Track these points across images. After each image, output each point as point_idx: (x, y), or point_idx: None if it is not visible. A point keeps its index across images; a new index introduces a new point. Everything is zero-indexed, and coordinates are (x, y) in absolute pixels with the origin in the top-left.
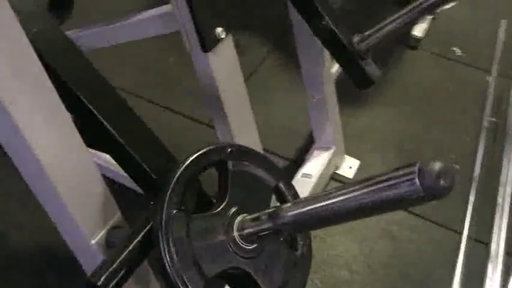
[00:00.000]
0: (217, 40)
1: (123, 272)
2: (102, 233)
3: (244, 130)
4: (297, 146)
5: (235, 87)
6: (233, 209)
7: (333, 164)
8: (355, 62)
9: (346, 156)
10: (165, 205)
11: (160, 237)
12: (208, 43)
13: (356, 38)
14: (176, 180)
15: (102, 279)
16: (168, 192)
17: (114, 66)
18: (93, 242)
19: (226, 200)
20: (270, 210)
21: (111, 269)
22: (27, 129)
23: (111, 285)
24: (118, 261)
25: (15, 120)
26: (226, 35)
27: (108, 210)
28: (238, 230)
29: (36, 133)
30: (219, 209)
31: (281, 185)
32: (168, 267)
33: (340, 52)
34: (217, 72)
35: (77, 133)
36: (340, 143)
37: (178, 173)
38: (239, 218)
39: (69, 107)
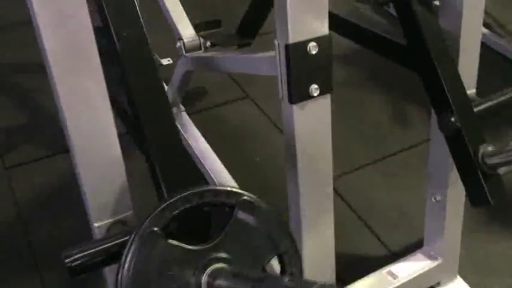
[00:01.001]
0: (308, 96)
1: (94, 260)
2: (107, 222)
3: (315, 195)
4: (403, 238)
5: (317, 149)
6: (217, 254)
7: (433, 278)
8: (475, 175)
9: (458, 277)
10: (148, 220)
11: (126, 247)
12: (295, 95)
13: (485, 149)
14: (174, 201)
15: (72, 258)
16: (159, 208)
17: None
18: (95, 225)
19: (216, 242)
20: (257, 273)
21: (84, 253)
22: (69, 109)
23: (77, 267)
24: (94, 250)
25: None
26: (323, 94)
27: (120, 204)
28: (209, 277)
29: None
30: (204, 247)
31: (287, 254)
32: (118, 277)
33: (461, 158)
34: (299, 128)
35: (114, 127)
36: (452, 258)
37: (181, 195)
38: (217, 265)
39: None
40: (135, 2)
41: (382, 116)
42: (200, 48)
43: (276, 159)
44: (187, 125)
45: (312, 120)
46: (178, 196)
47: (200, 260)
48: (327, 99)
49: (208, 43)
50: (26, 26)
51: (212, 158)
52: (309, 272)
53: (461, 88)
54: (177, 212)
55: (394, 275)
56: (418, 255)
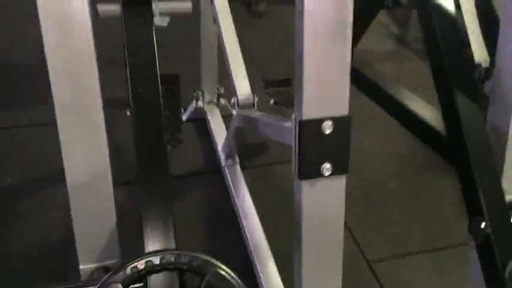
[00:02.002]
0: (319, 174)
1: None
2: (93, 266)
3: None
4: None
5: (325, 230)
6: None
7: None
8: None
9: None
10: (110, 274)
11: None
12: (303, 172)
13: None
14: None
15: None
16: (125, 266)
17: None
18: (81, 267)
19: None
20: None
21: None
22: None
23: None
24: None
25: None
26: (336, 174)
27: (108, 251)
28: None
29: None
30: None
31: None
32: None
33: (488, 269)
34: (307, 206)
35: (109, 169)
36: None
37: (149, 258)
38: None
39: None
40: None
41: (448, 203)
42: (253, 106)
43: None
44: (238, 179)
45: (322, 200)
46: (154, 256)
47: None
48: (340, 180)
49: (272, 101)
50: None
51: (251, 216)
52: None
53: (499, 193)
54: (142, 271)
55: None
56: None
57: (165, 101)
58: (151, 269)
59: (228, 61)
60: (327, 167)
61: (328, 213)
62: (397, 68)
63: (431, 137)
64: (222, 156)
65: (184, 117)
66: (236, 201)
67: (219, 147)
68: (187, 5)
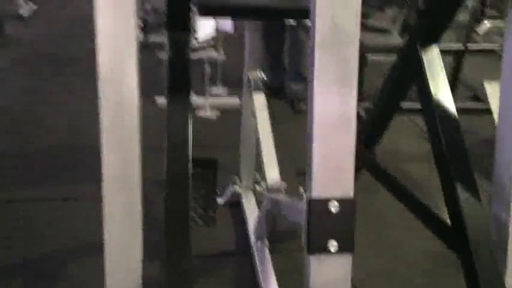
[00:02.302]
0: (325, 250)
1: None
2: None
3: None
4: None
5: None
6: None
7: None
8: None
9: None
10: None
11: None
12: (311, 247)
13: None
14: None
15: None
16: None
17: None
18: None
19: None
20: None
21: None
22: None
23: None
24: None
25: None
26: (342, 252)
27: None
28: None
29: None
30: None
31: None
32: None
33: None
34: (314, 280)
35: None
36: None
37: None
38: None
39: None
40: None
41: None
42: (281, 192)
43: None
44: (266, 262)
45: (329, 275)
46: None
47: None
48: (347, 258)
49: (301, 188)
50: None
51: None
52: None
53: (500, 281)
54: None
55: None
56: None
57: (202, 183)
58: None
59: (261, 150)
60: (333, 244)
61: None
62: (428, 169)
63: (443, 230)
64: (252, 238)
65: (222, 200)
66: (261, 283)
67: (250, 230)
68: (235, 101)
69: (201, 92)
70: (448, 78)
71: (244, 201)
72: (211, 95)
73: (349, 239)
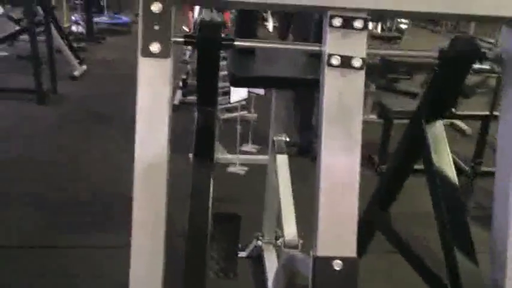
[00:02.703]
0: None
1: None
2: None
3: None
4: None
5: None
6: None
7: None
8: None
9: None
10: None
11: None
12: None
13: None
14: None
15: None
16: None
17: None
18: None
19: None
20: None
21: None
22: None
23: None
24: None
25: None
26: None
27: None
28: None
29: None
30: None
31: None
32: None
33: None
34: None
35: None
36: None
37: None
38: None
39: None
40: None
41: None
42: (297, 248)
43: None
44: None
45: None
46: None
47: None
48: None
49: None
50: None
51: None
52: None
53: None
54: None
55: None
56: None
57: (225, 237)
58: None
59: (280, 207)
60: None
61: None
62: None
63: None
64: None
65: (245, 254)
66: None
67: (269, 283)
68: (264, 158)
69: (233, 150)
70: (477, 143)
71: (265, 255)
72: (242, 152)
73: None
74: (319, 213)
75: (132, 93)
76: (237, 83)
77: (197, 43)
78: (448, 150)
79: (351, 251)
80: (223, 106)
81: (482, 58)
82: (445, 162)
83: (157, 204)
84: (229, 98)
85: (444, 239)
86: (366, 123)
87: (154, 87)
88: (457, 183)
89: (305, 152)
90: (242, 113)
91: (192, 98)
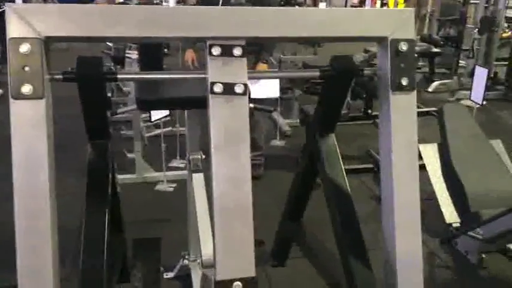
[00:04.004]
0: None
1: None
2: None
3: None
4: None
5: None
6: None
7: None
8: None
9: None
10: None
11: None
12: None
13: None
14: None
15: None
16: None
17: None
18: None
19: None
20: None
21: None
22: None
23: None
24: None
25: None
26: None
27: None
28: None
29: None
30: None
31: None
32: None
33: None
34: None
35: None
36: None
37: None
38: None
39: None
40: None
41: None
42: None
43: None
44: None
45: None
46: None
47: None
48: None
49: None
50: None
51: None
52: None
53: None
54: None
55: None
56: None
57: (146, 261)
58: None
59: (196, 227)
60: None
61: None
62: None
63: None
64: None
65: (172, 274)
66: None
67: None
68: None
69: (159, 167)
70: None
71: (192, 274)
72: (171, 168)
73: None
74: (216, 238)
75: None
76: (142, 106)
77: (77, 79)
78: (340, 160)
79: (250, 272)
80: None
81: (359, 75)
82: (337, 171)
83: (43, 254)
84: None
85: (339, 241)
86: (294, 127)
87: (29, 130)
88: (349, 190)
89: None
90: (166, 129)
91: (119, 116)
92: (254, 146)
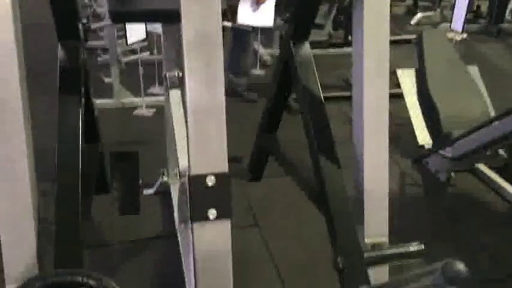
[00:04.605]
0: (206, 218)
1: None
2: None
3: None
4: None
5: (215, 267)
6: None
7: None
8: None
9: None
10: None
11: None
12: (193, 216)
13: None
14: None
15: None
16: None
17: None
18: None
19: None
20: None
21: None
22: None
23: None
24: None
25: None
26: (221, 218)
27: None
28: None
29: None
30: None
31: None
32: None
33: None
34: (198, 245)
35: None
36: None
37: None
38: None
39: None
40: None
41: None
42: None
43: None
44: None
45: (211, 239)
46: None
47: None
48: (225, 223)
49: None
50: None
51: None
52: None
53: (353, 234)
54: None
55: None
56: None
57: (125, 174)
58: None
59: (175, 140)
60: (212, 213)
61: (216, 251)
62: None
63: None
64: (176, 222)
65: (152, 191)
66: (184, 260)
67: (175, 214)
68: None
69: (138, 92)
70: None
71: (172, 189)
72: (149, 94)
73: (226, 208)
74: (190, 137)
75: None
76: (115, 18)
77: None
78: (315, 69)
79: (223, 168)
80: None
81: None
82: (312, 80)
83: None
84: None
85: (311, 149)
86: (274, 57)
87: None
88: (322, 99)
89: (238, 96)
90: (144, 54)
91: (95, 44)
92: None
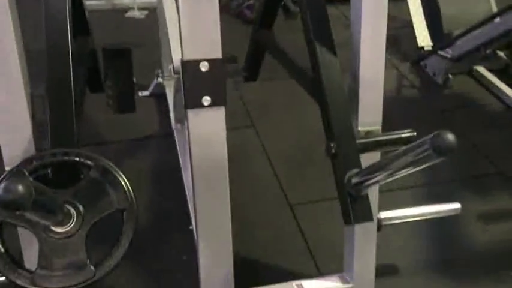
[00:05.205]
0: (200, 105)
1: None
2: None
3: (211, 201)
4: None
5: (211, 154)
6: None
7: None
8: (344, 196)
9: None
10: (19, 163)
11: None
12: (188, 103)
13: (352, 171)
14: (41, 155)
15: None
16: (29, 156)
17: None
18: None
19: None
20: None
21: None
22: None
23: None
24: None
25: None
26: (215, 105)
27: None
28: None
29: None
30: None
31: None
32: None
33: (336, 180)
34: (194, 132)
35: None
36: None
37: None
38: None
39: None
40: None
41: None
42: None
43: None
44: (184, 142)
45: (205, 126)
46: (47, 152)
47: (54, 200)
48: (220, 110)
49: None
50: None
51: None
52: (206, 276)
53: (347, 121)
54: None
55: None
56: (334, 277)
57: (118, 72)
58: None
59: (167, 35)
60: (206, 99)
61: (212, 139)
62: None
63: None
64: (172, 121)
65: (147, 93)
66: (181, 159)
67: (171, 114)
68: None
69: None
70: None
71: (167, 91)
72: None
73: (220, 94)
74: (182, 19)
75: None
76: None
77: None
78: None
79: (216, 53)
80: None
81: None
82: None
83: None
84: None
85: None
86: None
87: None
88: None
89: None
90: None
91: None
92: None
